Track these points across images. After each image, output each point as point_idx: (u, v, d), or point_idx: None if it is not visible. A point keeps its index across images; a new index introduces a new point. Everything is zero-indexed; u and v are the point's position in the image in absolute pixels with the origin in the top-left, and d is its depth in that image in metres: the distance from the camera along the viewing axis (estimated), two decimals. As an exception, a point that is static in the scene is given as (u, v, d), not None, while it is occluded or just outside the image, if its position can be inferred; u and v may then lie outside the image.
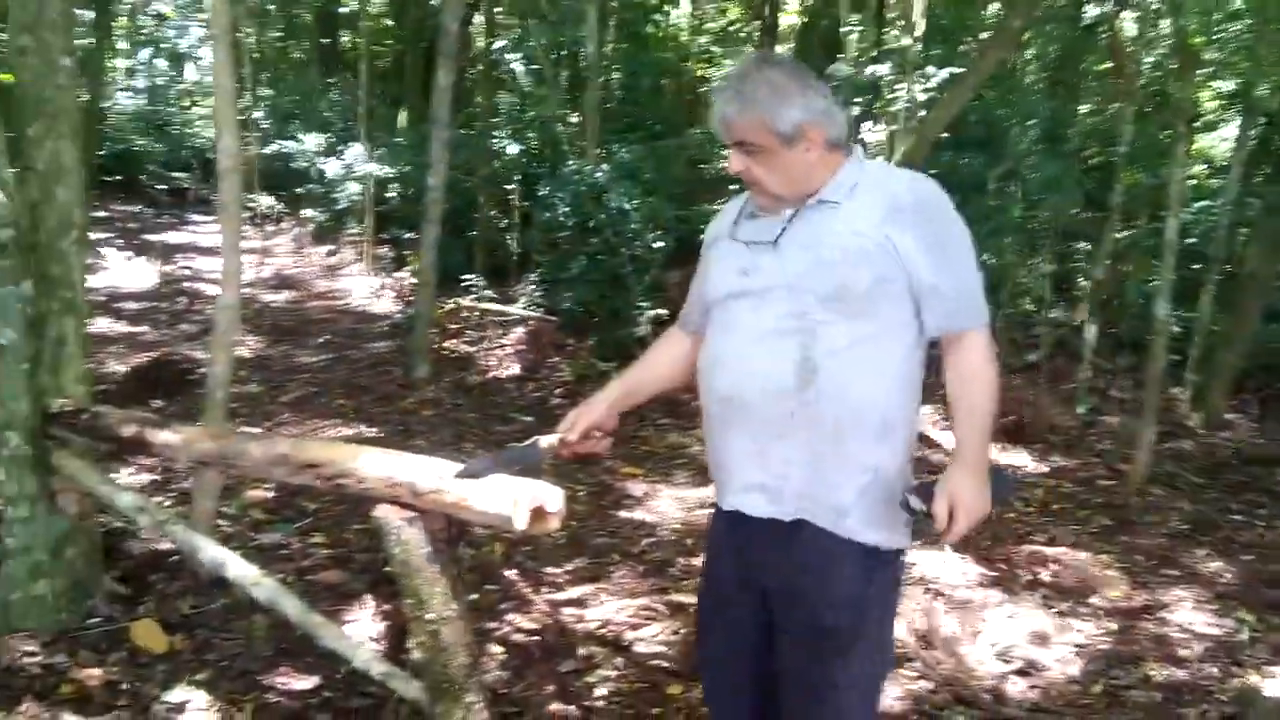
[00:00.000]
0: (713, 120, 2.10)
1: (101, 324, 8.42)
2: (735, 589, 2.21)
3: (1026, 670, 3.70)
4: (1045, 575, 4.50)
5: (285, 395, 6.95)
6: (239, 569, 3.11)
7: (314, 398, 6.97)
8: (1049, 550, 4.74)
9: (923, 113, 7.22)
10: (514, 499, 2.12)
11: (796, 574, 2.07)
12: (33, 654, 3.23)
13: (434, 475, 2.28)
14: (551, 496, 2.17)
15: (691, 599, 4.09)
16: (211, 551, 3.18)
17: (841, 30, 8.46)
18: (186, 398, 6.52)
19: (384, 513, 2.37)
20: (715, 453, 2.20)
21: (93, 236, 11.64)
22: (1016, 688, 3.58)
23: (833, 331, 1.97)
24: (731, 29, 15.43)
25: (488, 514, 2.18)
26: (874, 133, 7.51)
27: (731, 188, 8.93)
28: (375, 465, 2.40)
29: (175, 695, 3.14)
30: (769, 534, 2.08)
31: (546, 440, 2.29)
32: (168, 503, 4.78)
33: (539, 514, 2.15)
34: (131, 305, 9.36)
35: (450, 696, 2.43)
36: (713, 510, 2.31)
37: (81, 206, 3.51)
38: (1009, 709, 3.42)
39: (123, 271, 10.75)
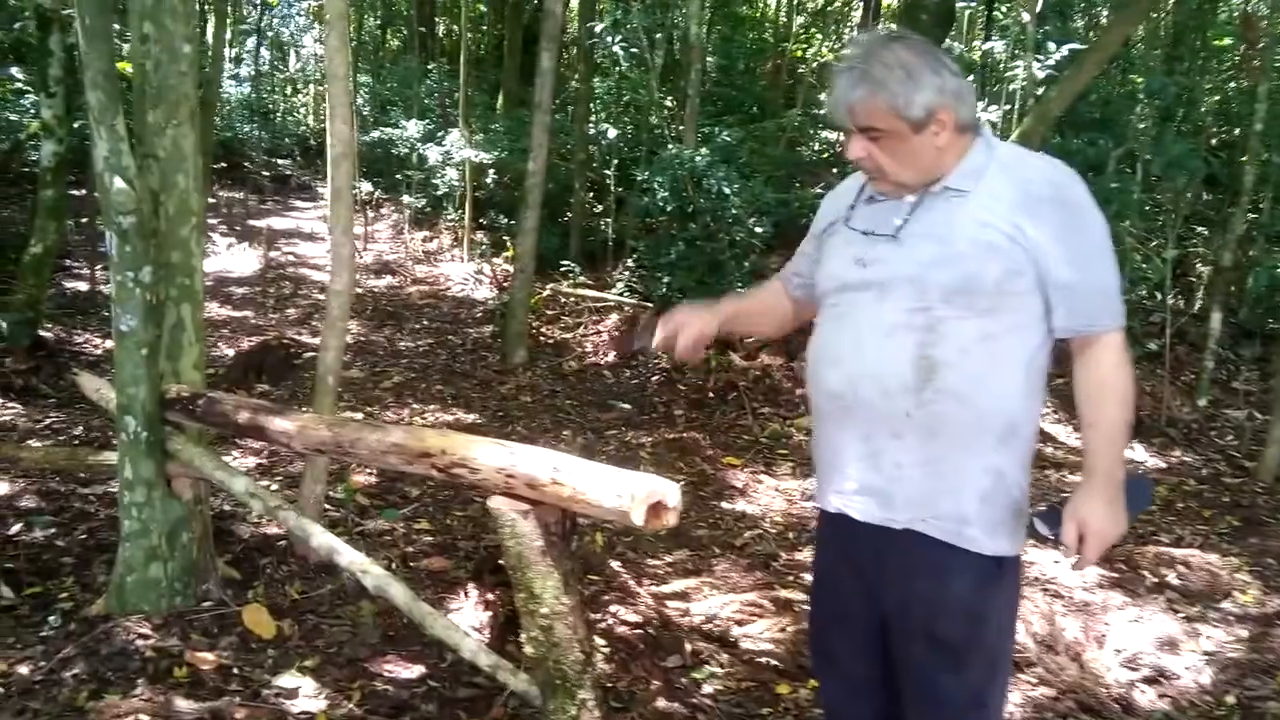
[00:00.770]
0: (833, 105, 1.92)
1: (209, 308, 8.64)
2: (849, 591, 2.10)
3: (1155, 678, 3.51)
4: (1171, 577, 4.28)
5: (387, 381, 7.03)
6: (349, 556, 3.11)
7: (414, 383, 7.04)
8: (1175, 551, 4.51)
9: (1040, 91, 6.93)
10: (631, 493, 2.05)
11: (909, 583, 1.95)
12: (146, 636, 3.28)
13: (550, 467, 2.22)
14: (669, 491, 2.09)
15: (798, 596, 3.99)
16: (322, 538, 3.19)
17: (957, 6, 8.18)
18: (292, 381, 6.64)
19: (498, 504, 2.32)
20: (823, 451, 2.07)
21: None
22: (1145, 696, 3.40)
23: (956, 328, 1.83)
24: (830, 8, 15.10)
25: (604, 508, 2.11)
26: (988, 113, 7.24)
27: (834, 170, 8.77)
28: (491, 456, 2.35)
29: (285, 681, 3.15)
30: (879, 540, 1.96)
31: (659, 335, 2.24)
32: (274, 486, 4.86)
33: (656, 509, 2.07)
34: (238, 290, 9.60)
35: (564, 693, 2.38)
36: (818, 508, 2.20)
37: (200, 194, 3.55)
38: (1138, 719, 3.24)
39: (229, 257, 11.03)
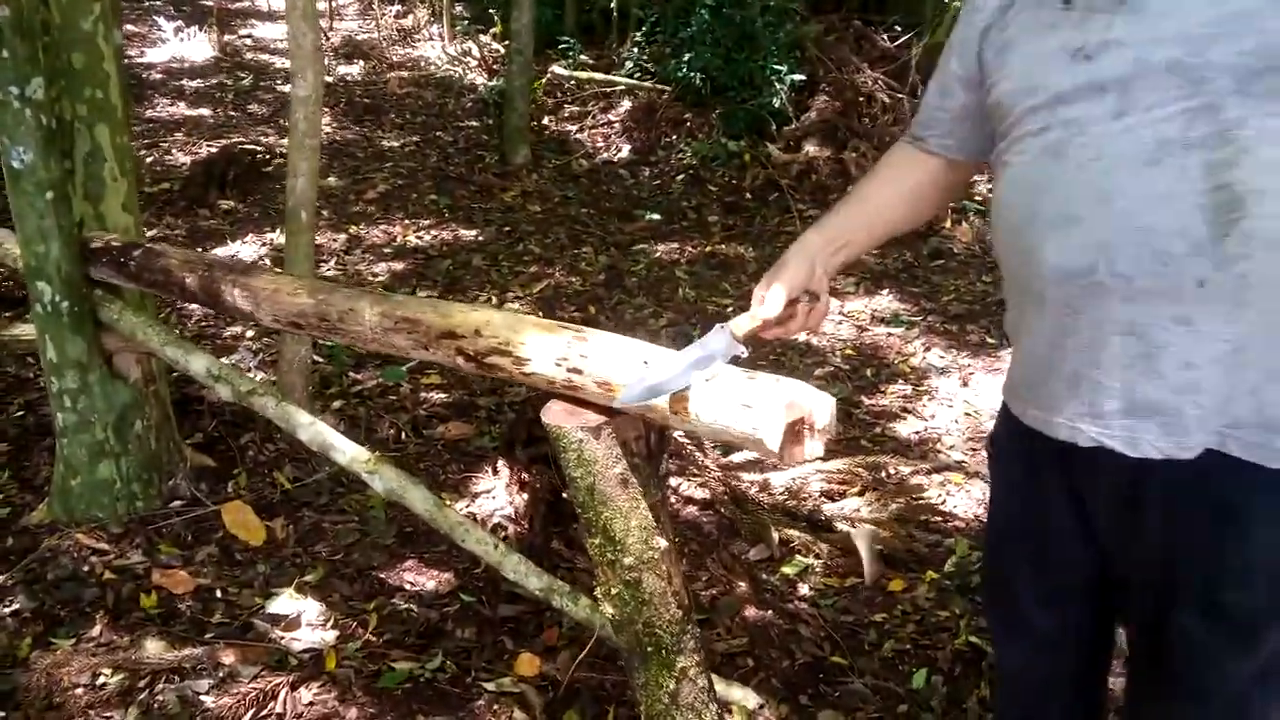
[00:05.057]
0: None
1: (160, 107, 7.59)
2: (1060, 532, 1.45)
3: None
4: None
5: (370, 190, 6.10)
6: (350, 451, 2.39)
7: (402, 192, 6.13)
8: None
9: None
10: (764, 409, 1.32)
11: (1181, 530, 1.29)
12: (103, 553, 2.62)
13: (633, 361, 1.48)
14: (818, 405, 1.35)
15: (895, 461, 3.34)
16: (313, 430, 2.46)
17: None
18: (261, 195, 5.74)
19: (555, 418, 1.58)
20: (1048, 357, 1.33)
21: (144, 4, 10.62)
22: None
23: (1262, 133, 1.12)
24: None
25: (726, 430, 1.39)
26: None
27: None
28: (548, 345, 1.60)
29: (281, 605, 2.53)
30: (1137, 475, 1.27)
31: (740, 325, 1.42)
32: (250, 334, 4.10)
33: (796, 430, 1.33)
34: (190, 84, 8.45)
35: (657, 662, 1.73)
36: (1004, 416, 1.51)
37: (102, -31, 2.60)
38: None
39: (178, 45, 9.75)
